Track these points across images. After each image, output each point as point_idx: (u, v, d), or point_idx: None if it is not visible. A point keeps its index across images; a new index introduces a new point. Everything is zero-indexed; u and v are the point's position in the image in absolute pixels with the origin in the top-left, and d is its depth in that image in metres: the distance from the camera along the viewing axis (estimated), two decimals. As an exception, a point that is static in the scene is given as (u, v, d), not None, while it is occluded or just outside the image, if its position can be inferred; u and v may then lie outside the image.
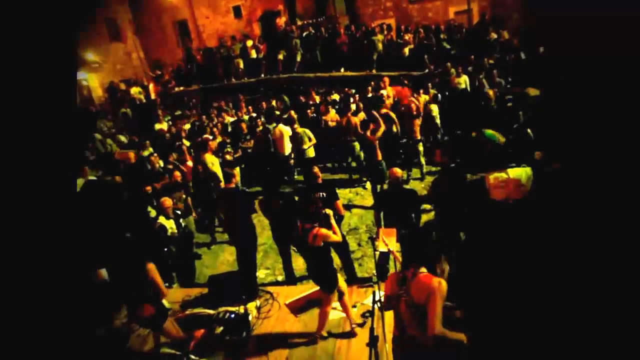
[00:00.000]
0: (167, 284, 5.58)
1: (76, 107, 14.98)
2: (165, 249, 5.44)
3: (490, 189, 4.62)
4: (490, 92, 8.35)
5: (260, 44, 15.42)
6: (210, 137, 8.73)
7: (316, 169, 5.33)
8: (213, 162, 7.34)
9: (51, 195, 2.27)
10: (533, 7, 10.15)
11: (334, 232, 3.94)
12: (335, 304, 4.64)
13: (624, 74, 2.19)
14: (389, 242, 3.68)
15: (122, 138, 10.66)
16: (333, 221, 3.98)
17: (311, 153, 8.54)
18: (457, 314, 2.78)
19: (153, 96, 15.67)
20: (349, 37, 13.74)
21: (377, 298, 3.16)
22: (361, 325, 4.22)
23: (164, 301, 4.14)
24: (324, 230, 3.85)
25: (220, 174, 7.18)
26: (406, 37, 13.03)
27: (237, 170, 6.85)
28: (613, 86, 2.26)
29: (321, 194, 4.97)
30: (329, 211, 3.97)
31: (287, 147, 8.85)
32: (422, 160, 8.26)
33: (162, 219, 5.49)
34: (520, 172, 4.53)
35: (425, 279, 2.54)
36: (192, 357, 2.89)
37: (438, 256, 2.66)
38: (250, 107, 12.16)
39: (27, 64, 2.16)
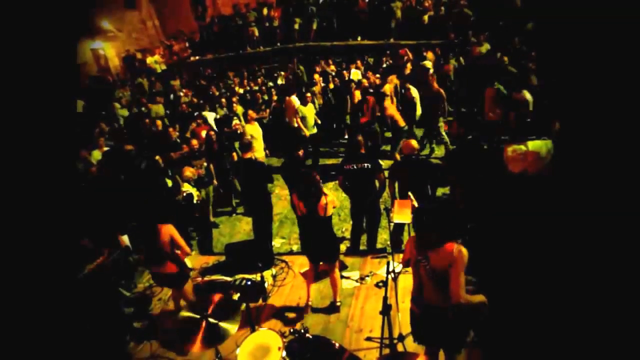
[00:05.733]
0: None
1: (95, 77, 15.12)
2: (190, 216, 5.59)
3: (508, 161, 4.51)
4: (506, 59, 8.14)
5: (275, 11, 15.10)
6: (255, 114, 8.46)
7: (360, 138, 5.04)
8: (252, 133, 7.33)
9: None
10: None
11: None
12: (349, 273, 4.74)
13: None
14: (403, 214, 3.68)
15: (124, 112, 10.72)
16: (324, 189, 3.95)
17: (312, 130, 8.32)
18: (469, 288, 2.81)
19: (163, 66, 15.64)
20: (368, 3, 13.31)
21: (391, 268, 3.20)
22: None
23: (187, 260, 4.26)
24: (330, 197, 3.87)
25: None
26: (426, 4, 12.56)
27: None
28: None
29: (365, 165, 4.86)
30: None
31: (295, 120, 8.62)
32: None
33: (187, 186, 5.60)
34: (540, 145, 4.39)
35: (446, 247, 2.55)
36: (211, 320, 3.00)
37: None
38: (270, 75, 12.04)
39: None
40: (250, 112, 7.66)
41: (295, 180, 3.92)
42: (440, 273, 2.56)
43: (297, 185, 3.89)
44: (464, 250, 2.51)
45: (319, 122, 8.29)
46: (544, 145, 4.37)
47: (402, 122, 7.74)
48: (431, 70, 8.75)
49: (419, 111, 7.97)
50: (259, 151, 7.15)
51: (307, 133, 8.13)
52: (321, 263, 4.23)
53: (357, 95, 8.50)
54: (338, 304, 4.25)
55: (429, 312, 2.77)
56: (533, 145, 4.38)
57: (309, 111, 8.13)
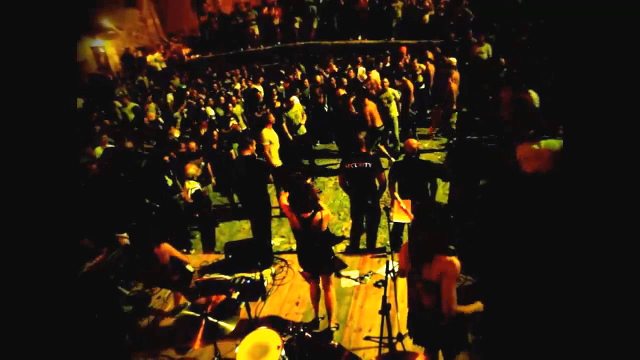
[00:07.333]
0: (184, 250, 5.78)
1: (94, 75, 15.09)
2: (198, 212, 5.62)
3: (521, 160, 4.41)
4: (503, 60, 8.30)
5: (275, 9, 15.08)
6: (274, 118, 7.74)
7: (362, 136, 4.90)
8: (270, 138, 6.72)
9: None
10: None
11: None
12: (348, 272, 4.73)
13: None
14: (403, 213, 3.68)
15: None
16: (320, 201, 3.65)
17: (302, 130, 8.31)
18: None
19: (163, 65, 15.65)
20: (369, 3, 13.29)
21: (390, 268, 3.21)
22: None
23: (188, 266, 4.38)
24: (326, 212, 3.57)
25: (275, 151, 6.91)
26: (427, 3, 12.53)
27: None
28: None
29: (366, 164, 4.80)
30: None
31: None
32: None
33: (192, 183, 5.60)
34: (553, 143, 4.29)
35: (439, 259, 2.49)
36: (210, 319, 3.00)
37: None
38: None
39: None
40: (271, 115, 7.02)
41: (290, 193, 3.57)
42: (434, 284, 2.53)
43: (290, 196, 3.54)
44: (456, 262, 2.44)
45: (302, 122, 8.25)
46: (557, 144, 4.29)
47: (379, 122, 7.69)
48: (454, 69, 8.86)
49: (395, 112, 8.07)
50: (275, 157, 6.86)
51: (291, 137, 8.10)
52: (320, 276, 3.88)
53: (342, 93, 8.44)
54: (333, 328, 3.94)
55: (425, 317, 2.76)
56: (546, 143, 4.30)
57: (293, 113, 8.11)
